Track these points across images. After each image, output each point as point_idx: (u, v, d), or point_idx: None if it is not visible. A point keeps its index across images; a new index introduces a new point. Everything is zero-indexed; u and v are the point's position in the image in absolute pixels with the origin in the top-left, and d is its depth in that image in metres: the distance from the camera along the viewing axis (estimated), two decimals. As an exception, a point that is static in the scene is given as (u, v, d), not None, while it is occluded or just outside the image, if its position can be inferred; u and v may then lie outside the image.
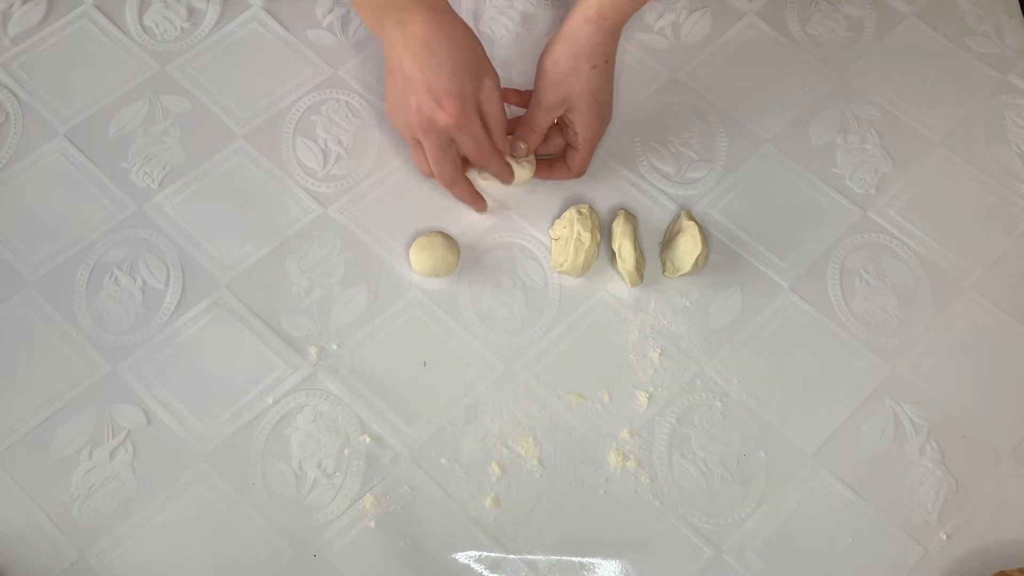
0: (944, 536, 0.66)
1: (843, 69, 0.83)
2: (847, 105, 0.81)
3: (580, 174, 0.77)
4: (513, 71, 0.82)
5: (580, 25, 0.69)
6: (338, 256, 0.74)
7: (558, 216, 0.76)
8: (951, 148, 0.80)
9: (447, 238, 0.73)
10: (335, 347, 0.71)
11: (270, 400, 0.69)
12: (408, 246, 0.74)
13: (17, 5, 0.83)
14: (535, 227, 0.76)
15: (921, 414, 0.70)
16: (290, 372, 0.70)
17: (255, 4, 0.84)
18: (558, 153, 0.77)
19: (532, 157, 0.75)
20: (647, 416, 0.69)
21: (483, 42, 0.82)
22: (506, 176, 0.74)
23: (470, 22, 0.83)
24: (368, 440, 0.68)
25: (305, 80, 0.81)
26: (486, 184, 0.77)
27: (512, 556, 0.65)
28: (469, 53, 0.68)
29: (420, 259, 0.72)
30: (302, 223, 0.75)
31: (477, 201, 0.75)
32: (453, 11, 0.69)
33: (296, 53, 0.82)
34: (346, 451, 0.68)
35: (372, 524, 0.66)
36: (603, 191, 0.77)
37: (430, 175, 0.73)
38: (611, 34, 0.70)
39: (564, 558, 0.65)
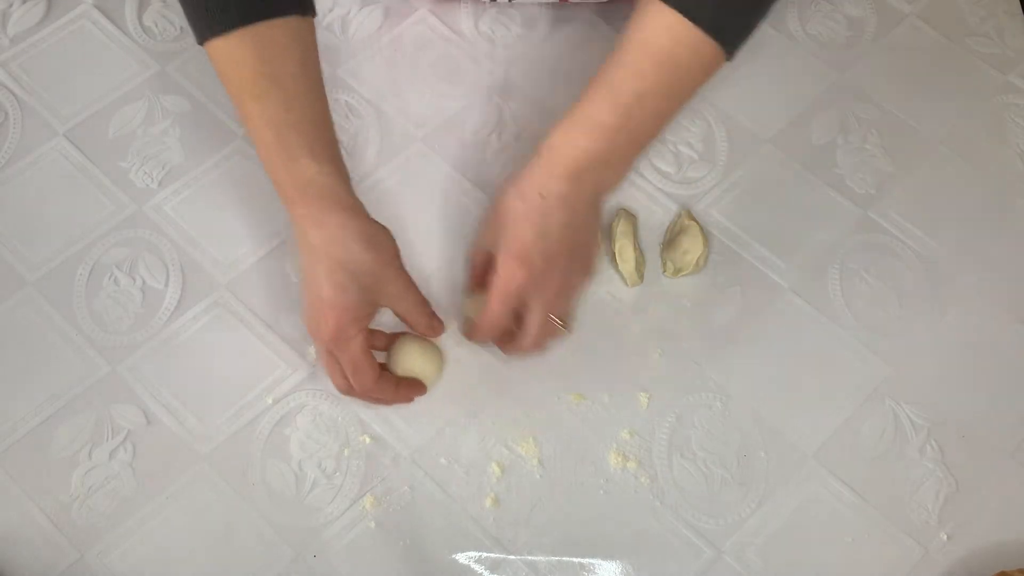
0: (944, 536, 0.66)
1: (843, 69, 0.83)
2: (847, 105, 0.81)
3: (488, 332, 0.64)
4: (514, 71, 0.82)
5: (543, 150, 0.61)
6: (338, 256, 0.74)
7: None
8: (952, 148, 0.80)
9: (424, 344, 0.68)
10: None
11: (270, 400, 0.69)
12: (409, 247, 0.74)
13: (17, 5, 0.83)
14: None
15: (921, 414, 0.70)
16: (290, 372, 0.70)
17: (255, 4, 0.84)
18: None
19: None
20: (647, 416, 0.69)
21: (483, 42, 0.83)
22: (403, 397, 0.67)
23: (470, 23, 0.84)
24: (368, 440, 0.68)
25: (305, 80, 0.81)
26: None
27: (512, 556, 0.65)
28: (362, 261, 0.61)
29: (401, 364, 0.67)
30: (302, 223, 0.75)
31: (397, 400, 0.67)
32: (350, 207, 0.62)
33: (296, 53, 0.82)
34: (346, 451, 0.68)
35: (372, 524, 0.66)
36: (603, 191, 0.77)
37: (345, 390, 0.65)
38: (581, 168, 0.60)
39: (564, 558, 0.65)
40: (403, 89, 0.81)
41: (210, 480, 0.67)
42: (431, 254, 0.74)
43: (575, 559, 0.65)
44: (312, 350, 0.70)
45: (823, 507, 0.67)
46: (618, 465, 0.68)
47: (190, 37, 0.82)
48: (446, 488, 0.67)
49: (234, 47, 0.60)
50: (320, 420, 0.69)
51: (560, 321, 0.65)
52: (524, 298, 0.62)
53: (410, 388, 0.67)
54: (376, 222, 0.64)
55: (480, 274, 0.66)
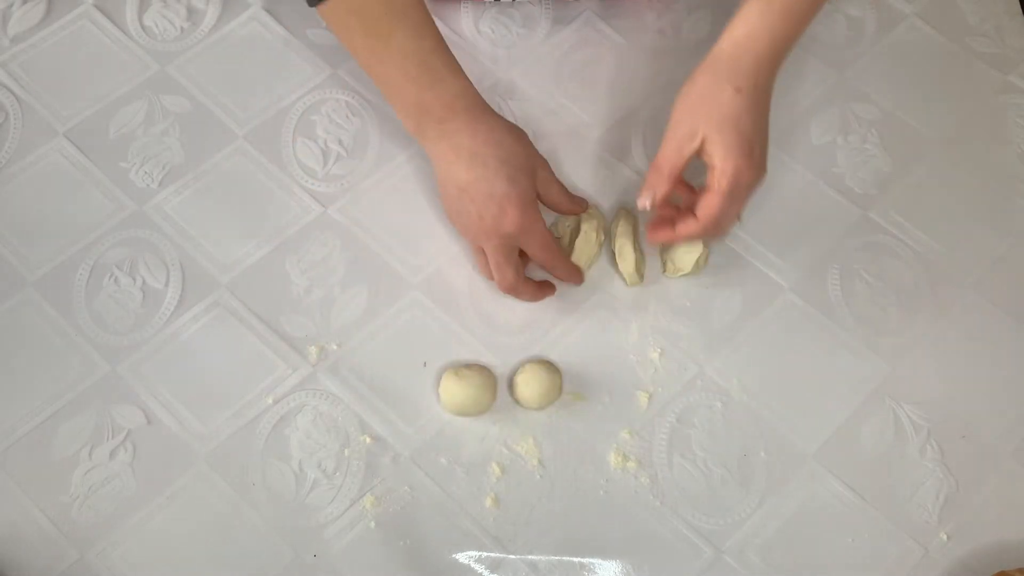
0: (944, 536, 0.66)
1: (843, 69, 0.83)
2: (847, 105, 0.81)
3: (713, 228, 0.64)
4: (514, 71, 0.82)
5: (724, 48, 0.63)
6: (338, 256, 0.74)
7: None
8: (952, 148, 0.80)
9: (482, 372, 0.69)
10: (335, 347, 0.71)
11: (270, 400, 0.69)
12: (409, 247, 0.74)
13: (17, 5, 0.83)
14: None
15: (921, 414, 0.70)
16: (290, 372, 0.70)
17: (255, 4, 0.84)
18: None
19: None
20: (647, 416, 0.69)
21: (483, 42, 0.83)
22: (575, 277, 0.70)
23: (470, 22, 0.84)
24: (368, 440, 0.68)
25: (305, 80, 0.81)
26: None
27: (512, 556, 0.65)
28: (519, 154, 0.66)
29: (452, 394, 0.68)
30: (302, 223, 0.75)
31: (539, 293, 0.71)
32: (492, 112, 0.68)
33: (296, 53, 0.82)
34: (346, 451, 0.68)
35: (372, 524, 0.66)
36: (603, 190, 0.77)
37: (509, 288, 0.69)
38: (763, 60, 0.62)
39: (564, 558, 0.65)
40: (403, 89, 0.81)
41: (210, 480, 0.67)
42: (432, 254, 0.74)
43: (575, 559, 0.65)
44: (312, 350, 0.70)
45: (823, 507, 0.67)
46: (618, 465, 0.68)
47: (190, 37, 0.82)
48: (446, 488, 0.67)
49: None
50: (320, 420, 0.69)
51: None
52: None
53: (577, 270, 0.71)
54: (509, 121, 0.68)
55: (672, 179, 0.64)
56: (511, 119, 0.79)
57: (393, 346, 0.71)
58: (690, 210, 0.65)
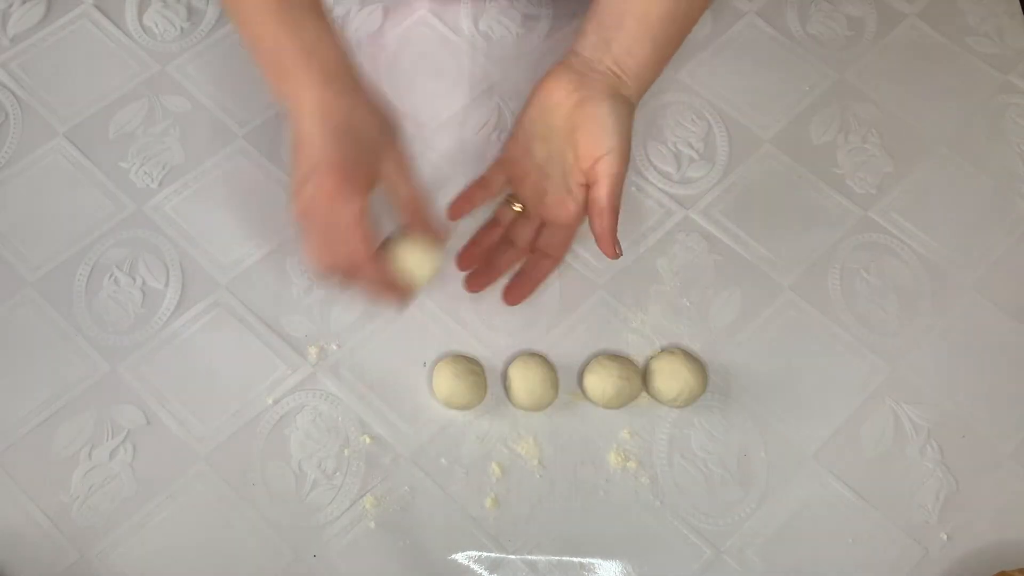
0: (944, 536, 0.66)
1: (843, 69, 0.83)
2: (847, 105, 0.81)
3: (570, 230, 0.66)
4: (514, 71, 0.82)
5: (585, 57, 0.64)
6: (338, 256, 0.74)
7: None
8: (952, 148, 0.80)
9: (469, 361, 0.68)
10: (335, 347, 0.71)
11: (270, 400, 0.69)
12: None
13: (17, 5, 0.83)
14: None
15: (921, 414, 0.70)
16: (290, 372, 0.70)
17: (255, 4, 0.84)
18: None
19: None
20: (647, 416, 0.69)
21: (483, 42, 0.83)
22: (390, 294, 0.61)
23: (469, 23, 0.84)
24: (368, 440, 0.68)
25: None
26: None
27: (512, 556, 0.65)
28: (369, 125, 0.60)
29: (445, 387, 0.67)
30: (302, 223, 0.75)
31: (383, 293, 0.61)
32: (354, 77, 0.61)
33: (296, 53, 0.82)
34: (346, 451, 0.68)
35: (372, 524, 0.66)
36: (603, 191, 0.77)
37: (328, 266, 0.60)
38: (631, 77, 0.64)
39: (564, 558, 0.65)
40: (403, 89, 0.81)
41: (210, 480, 0.67)
42: (431, 254, 0.74)
43: (575, 559, 0.65)
44: (312, 350, 0.70)
45: (823, 507, 0.67)
46: (618, 465, 0.68)
47: (190, 37, 0.82)
48: (446, 488, 0.67)
49: None
50: (320, 420, 0.69)
51: None
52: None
53: (399, 287, 0.61)
54: (382, 99, 0.62)
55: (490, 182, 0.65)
56: (510, 120, 0.79)
57: (393, 346, 0.71)
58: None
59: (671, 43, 0.65)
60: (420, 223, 0.62)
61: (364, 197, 0.58)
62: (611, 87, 0.63)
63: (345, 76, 0.60)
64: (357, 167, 0.58)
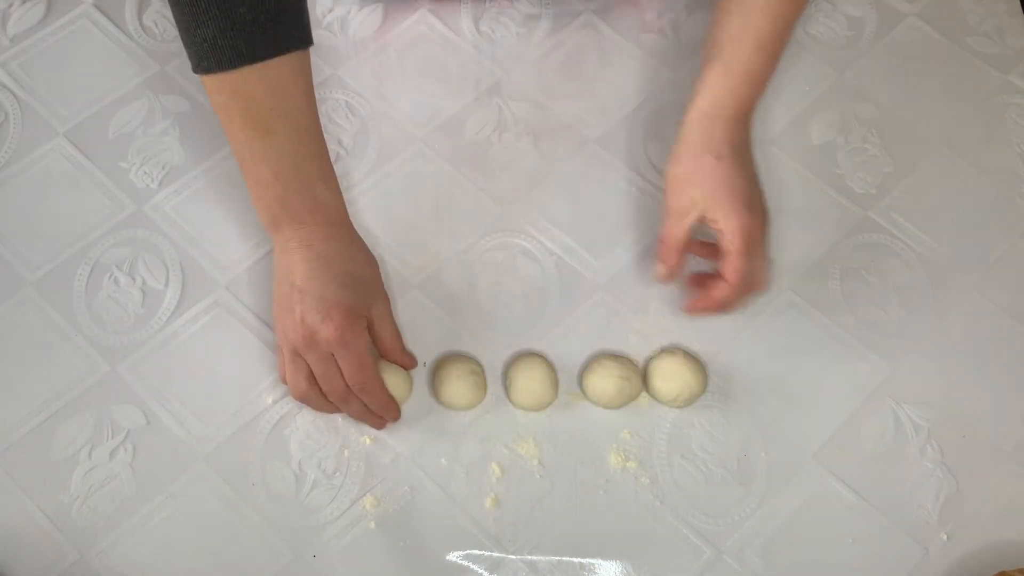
0: (945, 536, 0.66)
1: (844, 69, 0.83)
2: (848, 105, 0.81)
3: (745, 286, 0.65)
4: (514, 71, 0.82)
5: (696, 120, 0.65)
6: (338, 256, 0.74)
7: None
8: (952, 148, 0.80)
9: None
10: (335, 347, 0.71)
11: (270, 400, 0.69)
12: (410, 247, 0.74)
13: (17, 5, 0.83)
14: (537, 228, 0.76)
15: (922, 414, 0.70)
16: (290, 372, 0.70)
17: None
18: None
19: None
20: (647, 416, 0.69)
21: (483, 42, 0.83)
22: (390, 411, 0.66)
23: (470, 23, 0.84)
24: (368, 440, 0.68)
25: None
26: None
27: (512, 556, 0.65)
28: (367, 275, 0.65)
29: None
30: (302, 223, 0.75)
31: (385, 411, 0.66)
32: (354, 231, 0.66)
33: (296, 53, 0.82)
34: (346, 451, 0.68)
35: (372, 524, 0.66)
36: (603, 190, 0.77)
37: (300, 396, 0.64)
38: (733, 123, 0.65)
39: (564, 558, 0.65)
40: (403, 89, 0.81)
41: (210, 480, 0.67)
42: (430, 254, 0.74)
43: (575, 559, 0.65)
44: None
45: (823, 507, 0.67)
46: (618, 465, 0.68)
47: (190, 37, 0.82)
48: (446, 488, 0.67)
49: (241, 83, 0.59)
50: (320, 420, 0.69)
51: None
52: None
53: (393, 404, 0.66)
54: (366, 246, 0.67)
55: (679, 250, 0.66)
56: (511, 120, 0.79)
57: (393, 346, 0.71)
58: (713, 276, 0.67)
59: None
60: (399, 358, 0.68)
61: (366, 331, 0.64)
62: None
63: (347, 225, 0.66)
64: (361, 306, 0.64)
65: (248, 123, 0.60)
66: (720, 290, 0.66)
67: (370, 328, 0.65)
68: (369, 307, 0.65)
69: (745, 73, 0.65)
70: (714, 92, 0.65)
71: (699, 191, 0.64)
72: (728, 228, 0.63)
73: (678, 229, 0.66)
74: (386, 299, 0.67)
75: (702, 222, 0.65)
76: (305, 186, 0.63)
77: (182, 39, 0.59)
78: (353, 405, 0.64)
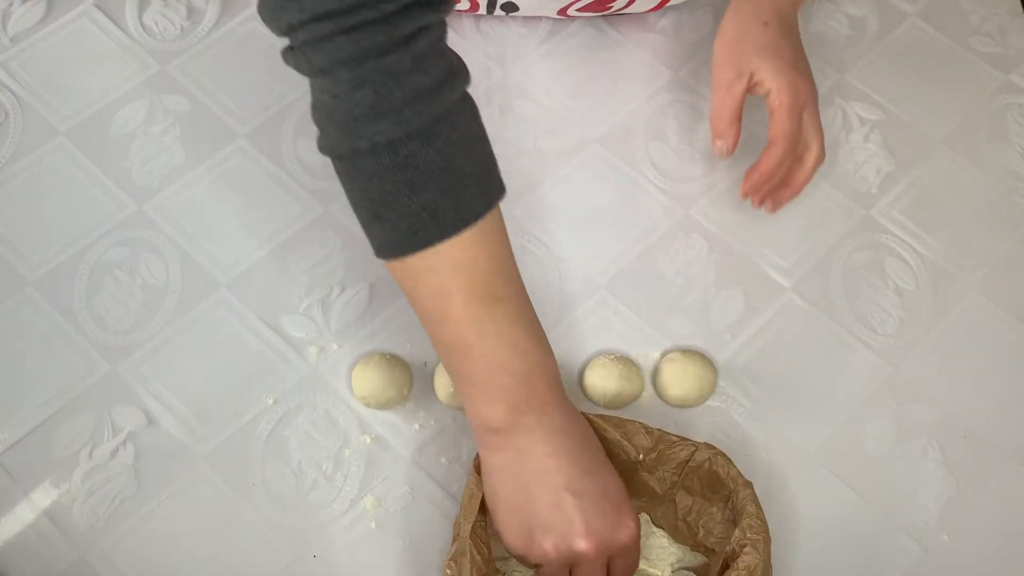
0: (945, 537, 0.66)
1: (844, 69, 0.83)
2: (849, 105, 0.81)
3: (791, 144, 0.63)
4: (514, 71, 0.82)
5: None
6: (338, 256, 0.74)
7: None
8: (954, 148, 0.80)
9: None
10: (335, 347, 0.71)
11: (270, 400, 0.69)
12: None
13: (17, 5, 0.83)
14: (537, 228, 0.76)
15: (923, 415, 0.70)
16: (290, 372, 0.70)
17: (256, 2, 0.84)
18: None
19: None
20: (648, 416, 0.69)
21: (483, 42, 0.83)
22: None
23: (471, 22, 0.83)
24: (368, 440, 0.68)
25: (306, 79, 0.80)
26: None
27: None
28: (597, 442, 0.56)
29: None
30: (303, 222, 0.75)
31: None
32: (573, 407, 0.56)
33: (296, 52, 0.82)
34: (346, 451, 0.68)
35: (372, 525, 0.66)
36: (603, 190, 0.77)
37: None
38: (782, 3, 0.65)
39: (564, 559, 0.65)
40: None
41: (210, 480, 0.67)
42: (431, 254, 0.74)
43: (575, 559, 0.65)
44: (312, 350, 0.70)
45: (823, 507, 0.67)
46: (619, 465, 0.68)
47: (191, 36, 0.82)
48: (446, 488, 0.67)
49: (461, 249, 0.51)
50: (320, 420, 0.69)
51: None
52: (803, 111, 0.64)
53: None
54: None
55: (734, 119, 0.66)
56: (513, 120, 0.79)
57: (393, 346, 0.71)
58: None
59: None
60: None
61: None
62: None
63: (567, 400, 0.56)
64: (621, 496, 0.55)
65: (474, 297, 0.51)
66: (770, 155, 0.64)
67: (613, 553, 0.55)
68: (617, 532, 0.54)
69: None
70: None
71: (745, 57, 0.64)
72: (776, 85, 0.63)
73: (729, 97, 0.65)
74: (636, 519, 0.57)
75: (751, 90, 0.65)
76: (548, 356, 0.54)
77: (377, 219, 0.51)
78: None
